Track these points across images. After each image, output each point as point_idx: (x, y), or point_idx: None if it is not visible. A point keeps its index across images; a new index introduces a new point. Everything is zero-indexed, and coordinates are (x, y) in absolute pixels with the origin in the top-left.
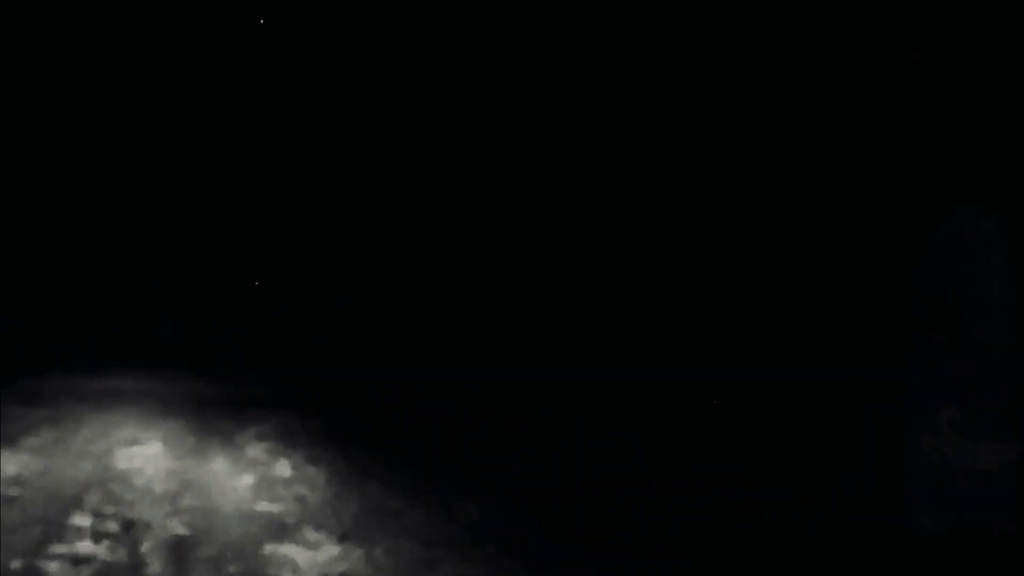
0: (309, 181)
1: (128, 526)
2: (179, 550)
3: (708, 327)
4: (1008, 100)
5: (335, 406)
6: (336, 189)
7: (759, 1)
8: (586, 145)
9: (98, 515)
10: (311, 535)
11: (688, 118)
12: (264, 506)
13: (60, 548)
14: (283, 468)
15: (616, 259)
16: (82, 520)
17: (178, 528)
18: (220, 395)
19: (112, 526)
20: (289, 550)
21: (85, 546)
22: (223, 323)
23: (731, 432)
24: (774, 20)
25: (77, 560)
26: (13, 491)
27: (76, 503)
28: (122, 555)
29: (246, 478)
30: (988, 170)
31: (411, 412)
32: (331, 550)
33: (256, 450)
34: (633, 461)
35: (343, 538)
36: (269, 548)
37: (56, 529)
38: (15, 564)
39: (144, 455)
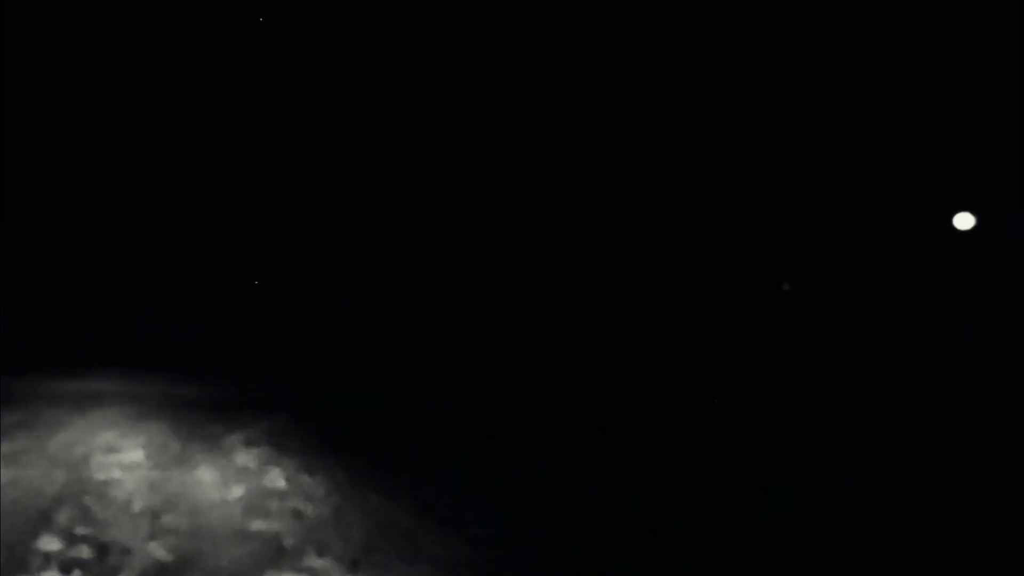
0: (308, 181)
1: (103, 552)
2: None
3: (708, 327)
4: (1008, 100)
5: (327, 408)
6: (336, 189)
7: (760, 1)
8: (586, 146)
9: (69, 537)
10: (315, 561)
11: (690, 118)
12: (258, 524)
13: None
14: (276, 478)
15: (616, 259)
16: (50, 543)
17: (160, 553)
18: (204, 397)
19: (85, 551)
20: None
21: None
22: (207, 322)
23: (731, 432)
24: (774, 21)
25: None
26: None
27: (45, 522)
28: None
29: (236, 490)
30: (989, 169)
31: (409, 412)
32: None
33: (245, 457)
34: (633, 461)
35: (353, 565)
36: None
37: (20, 556)
38: None
39: (123, 464)
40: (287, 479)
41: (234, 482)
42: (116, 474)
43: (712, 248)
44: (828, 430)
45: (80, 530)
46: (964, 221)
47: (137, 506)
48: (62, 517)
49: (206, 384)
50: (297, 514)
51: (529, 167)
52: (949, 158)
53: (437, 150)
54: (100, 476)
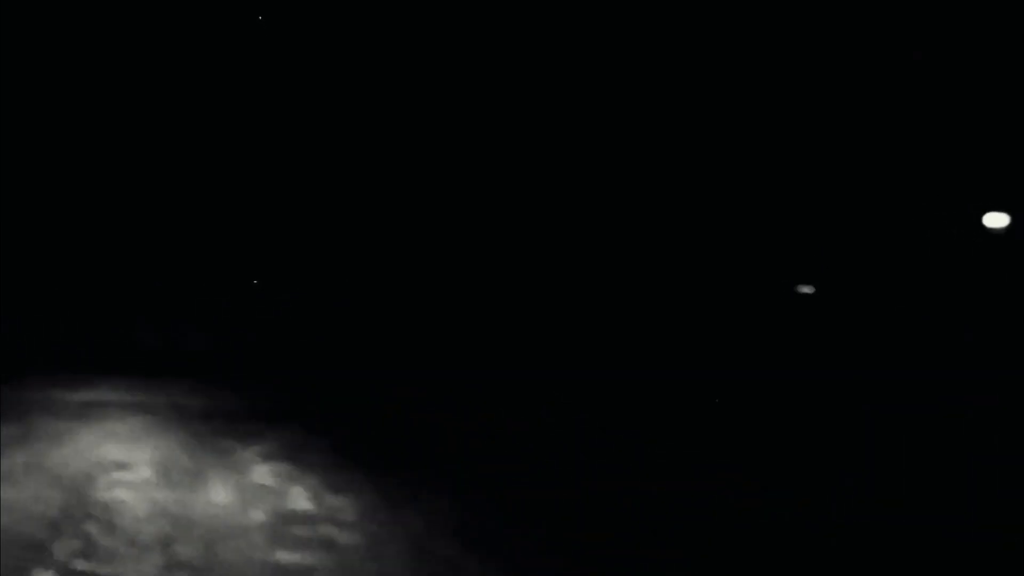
0: (307, 181)
1: None
2: None
3: (708, 327)
4: (1008, 100)
5: (341, 415)
6: (336, 189)
7: (761, 2)
8: (586, 146)
9: (67, 574)
10: None
11: (691, 118)
12: (285, 556)
13: None
14: (300, 498)
15: (616, 259)
16: None
17: None
18: (214, 406)
19: None
20: None
21: None
22: (213, 327)
23: (731, 432)
24: (775, 21)
25: None
26: None
27: (40, 555)
28: None
29: (255, 514)
30: (988, 169)
31: (423, 417)
32: None
33: (263, 474)
34: (633, 461)
35: None
36: None
37: None
38: None
39: (130, 483)
40: (313, 499)
41: (253, 504)
42: (121, 495)
43: (712, 248)
44: (828, 430)
45: (80, 564)
46: (996, 220)
47: (145, 534)
48: (60, 549)
49: (215, 392)
50: (328, 543)
51: (529, 167)
52: (948, 158)
53: (436, 150)
54: (104, 497)
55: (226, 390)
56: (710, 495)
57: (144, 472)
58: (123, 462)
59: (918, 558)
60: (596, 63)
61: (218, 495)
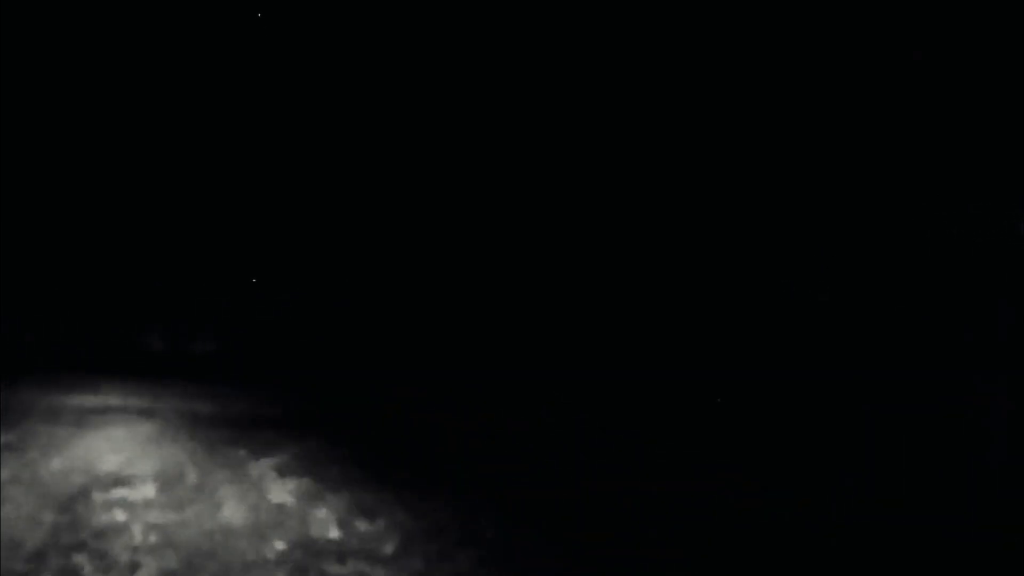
0: (308, 181)
1: None
2: None
3: (708, 327)
4: (1008, 100)
5: (363, 421)
6: (335, 189)
7: (761, 1)
8: (586, 145)
9: None
10: None
11: (691, 117)
12: None
13: None
14: (326, 524)
15: (615, 259)
16: None
17: None
18: (223, 412)
19: None
20: None
21: None
22: (220, 328)
23: (731, 432)
24: (775, 21)
25: None
26: None
27: None
28: None
29: (275, 542)
30: (989, 168)
31: (452, 422)
32: None
33: (281, 492)
34: (633, 461)
35: None
36: None
37: None
38: None
39: (131, 503)
40: (341, 525)
41: (272, 530)
42: (120, 516)
43: (712, 248)
44: (828, 430)
45: None
46: None
47: (149, 571)
48: None
49: (224, 396)
50: None
51: (529, 166)
52: (948, 157)
53: (436, 150)
54: (100, 520)
55: (237, 394)
56: (710, 495)
57: (146, 490)
58: (123, 476)
59: (918, 558)
60: (597, 62)
61: (231, 517)
